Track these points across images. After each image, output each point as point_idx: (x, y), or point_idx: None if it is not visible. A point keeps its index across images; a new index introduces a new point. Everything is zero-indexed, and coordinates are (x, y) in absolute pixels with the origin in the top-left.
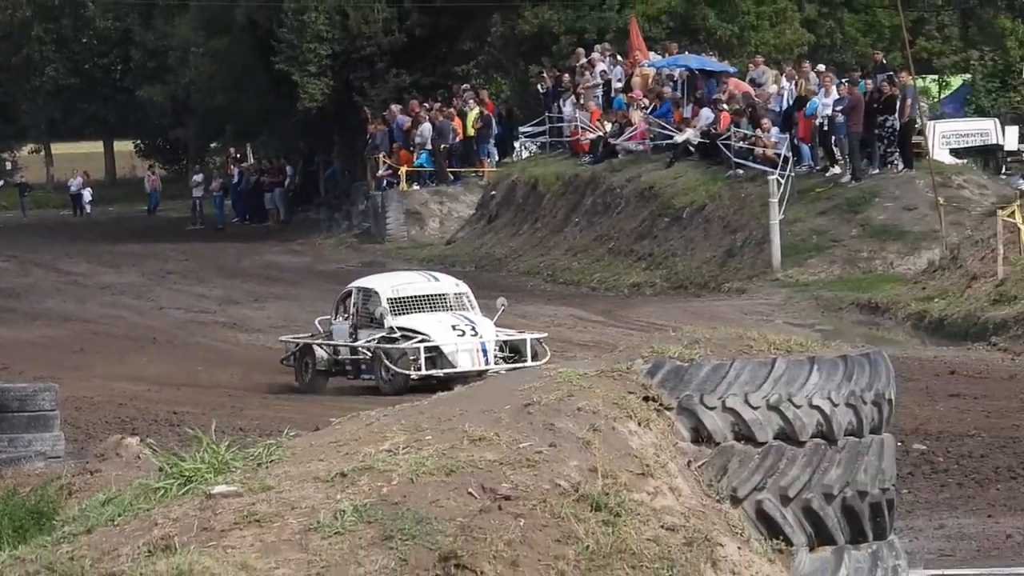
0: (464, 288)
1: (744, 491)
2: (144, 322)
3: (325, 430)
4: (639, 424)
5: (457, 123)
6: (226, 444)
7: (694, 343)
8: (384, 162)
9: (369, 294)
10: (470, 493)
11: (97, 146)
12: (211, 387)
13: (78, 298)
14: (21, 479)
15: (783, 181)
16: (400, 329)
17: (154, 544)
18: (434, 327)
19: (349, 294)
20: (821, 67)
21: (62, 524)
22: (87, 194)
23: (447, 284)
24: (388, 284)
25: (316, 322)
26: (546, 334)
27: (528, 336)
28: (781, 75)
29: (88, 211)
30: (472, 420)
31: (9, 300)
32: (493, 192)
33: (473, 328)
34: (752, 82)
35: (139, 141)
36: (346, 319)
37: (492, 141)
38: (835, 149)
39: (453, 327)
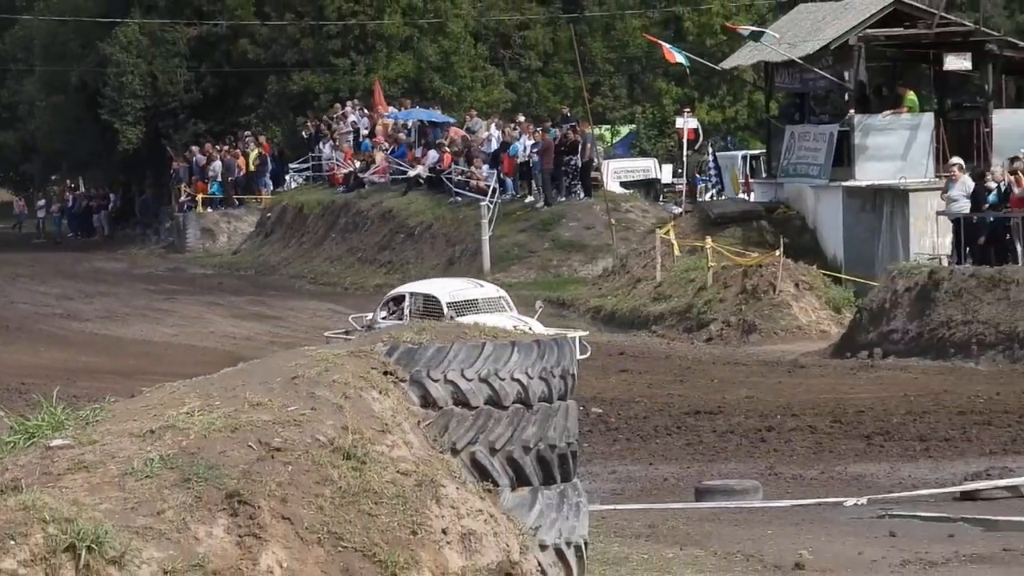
0: (503, 293)
1: (461, 444)
2: None
3: (138, 397)
4: (380, 392)
5: (241, 161)
6: (62, 407)
7: (422, 331)
8: (185, 191)
9: (427, 298)
10: (250, 446)
11: None
12: (52, 364)
13: None
14: None
15: (492, 206)
16: None
17: (5, 485)
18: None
19: (401, 298)
20: (521, 118)
21: None
22: None
23: (491, 289)
24: (445, 290)
25: (350, 319)
26: (587, 332)
27: (576, 334)
28: (490, 124)
29: None
30: (252, 390)
31: None
32: (269, 214)
33: (528, 327)
34: (468, 130)
35: None
36: (399, 319)
37: (268, 175)
38: (532, 182)
39: (514, 327)
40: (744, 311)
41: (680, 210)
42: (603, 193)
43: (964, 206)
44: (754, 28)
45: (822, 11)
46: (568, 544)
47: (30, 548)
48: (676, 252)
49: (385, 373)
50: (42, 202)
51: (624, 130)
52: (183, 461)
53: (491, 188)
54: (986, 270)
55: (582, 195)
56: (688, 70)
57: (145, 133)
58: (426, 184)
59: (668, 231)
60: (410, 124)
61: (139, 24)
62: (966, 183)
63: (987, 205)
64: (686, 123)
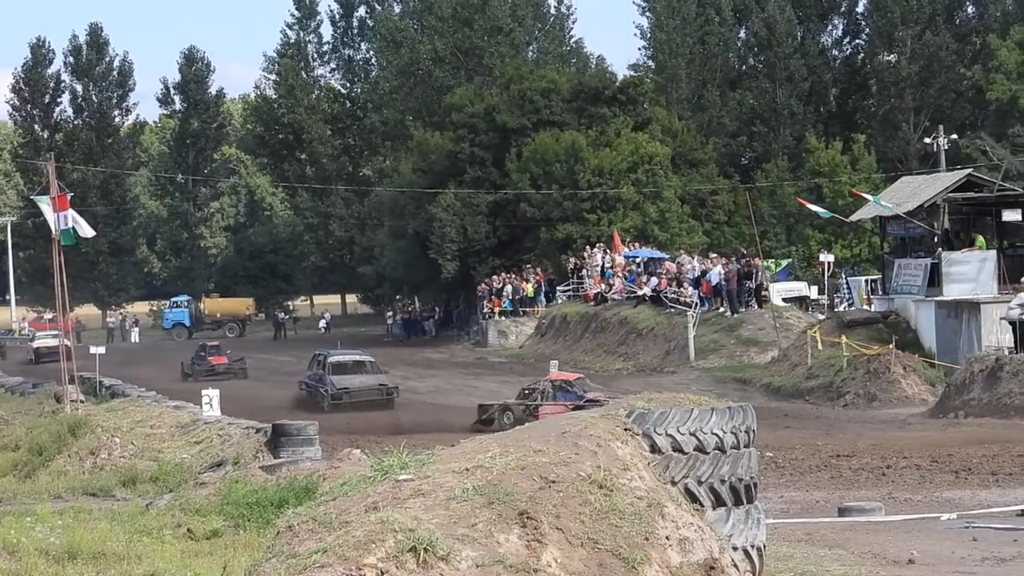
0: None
1: (678, 478)
2: None
3: (457, 446)
4: (622, 443)
5: (524, 285)
6: (406, 453)
7: (650, 400)
8: (486, 305)
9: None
10: (534, 479)
11: None
12: (393, 422)
13: None
14: (297, 472)
15: (694, 315)
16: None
17: (368, 506)
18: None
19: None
20: (714, 255)
21: (320, 495)
22: None
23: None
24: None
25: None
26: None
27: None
28: (693, 259)
29: None
30: (534, 441)
31: None
32: (543, 321)
33: None
34: (678, 263)
35: None
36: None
37: (543, 294)
38: (722, 298)
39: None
40: (868, 386)
41: (823, 317)
42: (770, 306)
43: (1020, 313)
44: (873, 195)
45: (917, 181)
46: (752, 546)
47: (385, 549)
48: (820, 346)
49: (625, 429)
50: (390, 313)
51: (783, 262)
52: (488, 490)
53: (694, 303)
54: None
55: (756, 307)
56: (827, 221)
57: (459, 267)
58: (649, 300)
59: (815, 331)
60: (638, 260)
61: (454, 193)
62: (1021, 297)
63: None
64: (826, 258)
